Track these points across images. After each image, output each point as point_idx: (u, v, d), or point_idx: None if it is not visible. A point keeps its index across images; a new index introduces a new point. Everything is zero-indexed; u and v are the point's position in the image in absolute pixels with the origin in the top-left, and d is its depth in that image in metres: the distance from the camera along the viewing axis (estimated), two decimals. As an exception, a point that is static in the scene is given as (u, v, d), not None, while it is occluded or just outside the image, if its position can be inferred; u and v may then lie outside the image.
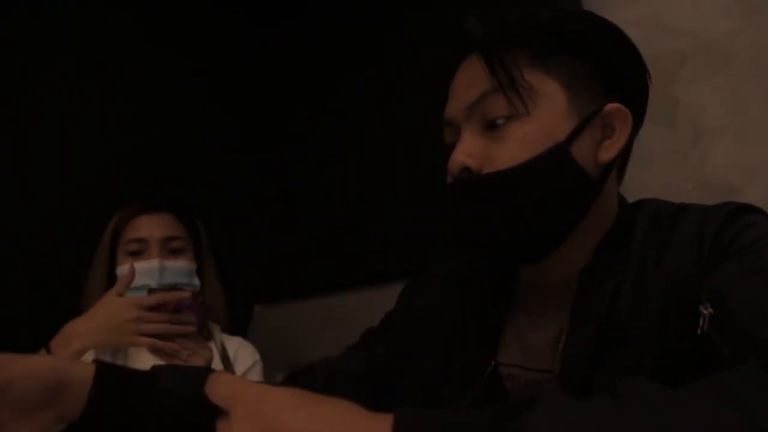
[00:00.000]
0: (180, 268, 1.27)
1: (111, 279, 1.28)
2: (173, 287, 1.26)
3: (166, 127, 1.89)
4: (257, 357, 1.37)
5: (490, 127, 0.63)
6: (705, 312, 0.54)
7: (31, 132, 1.62)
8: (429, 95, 0.70)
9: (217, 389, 0.47)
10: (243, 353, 1.36)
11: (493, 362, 0.66)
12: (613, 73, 0.65)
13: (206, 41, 2.05)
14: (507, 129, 0.62)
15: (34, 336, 1.13)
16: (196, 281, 1.32)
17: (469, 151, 0.63)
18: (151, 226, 1.29)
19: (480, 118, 0.63)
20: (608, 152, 0.64)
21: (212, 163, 1.97)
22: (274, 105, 2.15)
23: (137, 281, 1.22)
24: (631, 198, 0.72)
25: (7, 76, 1.59)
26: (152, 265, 1.24)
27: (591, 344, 0.60)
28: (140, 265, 1.23)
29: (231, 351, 1.35)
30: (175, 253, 1.29)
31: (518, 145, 0.61)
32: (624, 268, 0.62)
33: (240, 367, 1.33)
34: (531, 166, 0.60)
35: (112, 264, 1.30)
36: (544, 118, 0.61)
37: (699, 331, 0.54)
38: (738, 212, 0.61)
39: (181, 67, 1.98)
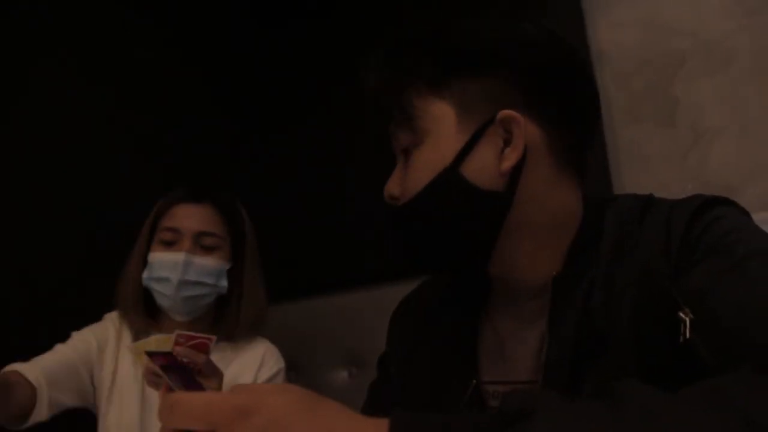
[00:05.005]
0: (207, 266, 1.22)
1: (145, 263, 1.24)
2: (196, 283, 1.21)
3: (164, 123, 1.88)
4: (282, 364, 1.30)
5: (405, 155, 0.66)
6: (685, 318, 0.53)
7: (27, 125, 1.62)
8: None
9: (187, 410, 0.39)
10: (269, 357, 1.29)
11: (474, 381, 0.65)
12: (514, 80, 0.63)
13: (204, 38, 2.05)
14: (412, 157, 0.65)
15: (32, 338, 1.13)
16: (224, 283, 1.25)
17: (394, 180, 0.67)
18: (187, 217, 1.24)
19: (399, 148, 0.67)
20: (508, 160, 0.62)
21: (209, 163, 1.97)
22: (274, 103, 2.15)
23: (160, 272, 1.20)
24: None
25: (6, 73, 1.59)
26: (177, 258, 1.19)
27: (570, 350, 0.59)
28: (165, 256, 1.20)
29: (257, 354, 1.28)
30: (207, 249, 1.23)
31: (417, 172, 0.64)
32: (595, 271, 0.61)
33: (264, 373, 1.27)
34: (427, 192, 0.63)
35: (148, 250, 1.25)
36: (435, 143, 0.63)
37: (682, 339, 0.53)
38: (705, 206, 0.59)
39: (178, 62, 1.98)
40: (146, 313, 1.25)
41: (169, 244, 1.22)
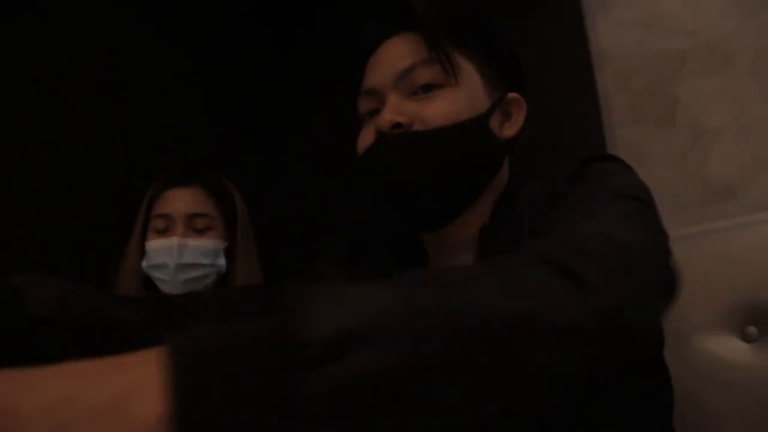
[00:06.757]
0: (201, 247, 1.24)
1: (143, 253, 1.26)
2: (193, 266, 1.23)
3: (163, 123, 1.89)
4: None
5: (419, 91, 0.72)
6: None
7: (24, 123, 1.62)
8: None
9: None
10: None
11: None
12: (508, 71, 0.78)
13: (204, 38, 2.05)
14: (437, 93, 0.72)
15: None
16: (221, 261, 1.27)
17: (398, 110, 0.72)
18: (177, 202, 1.26)
19: (409, 84, 0.73)
20: (510, 130, 0.77)
21: (208, 163, 1.97)
22: (274, 103, 2.15)
23: (157, 259, 1.22)
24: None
25: (6, 72, 1.59)
26: (171, 243, 1.22)
27: None
28: (160, 243, 1.23)
29: None
30: (200, 231, 1.26)
31: (448, 106, 0.71)
32: (515, 223, 0.71)
33: None
34: (461, 126, 0.71)
35: (144, 237, 1.27)
36: (468, 91, 0.73)
37: None
38: (594, 157, 0.68)
39: (178, 62, 1.98)
40: None
41: (162, 232, 1.25)
